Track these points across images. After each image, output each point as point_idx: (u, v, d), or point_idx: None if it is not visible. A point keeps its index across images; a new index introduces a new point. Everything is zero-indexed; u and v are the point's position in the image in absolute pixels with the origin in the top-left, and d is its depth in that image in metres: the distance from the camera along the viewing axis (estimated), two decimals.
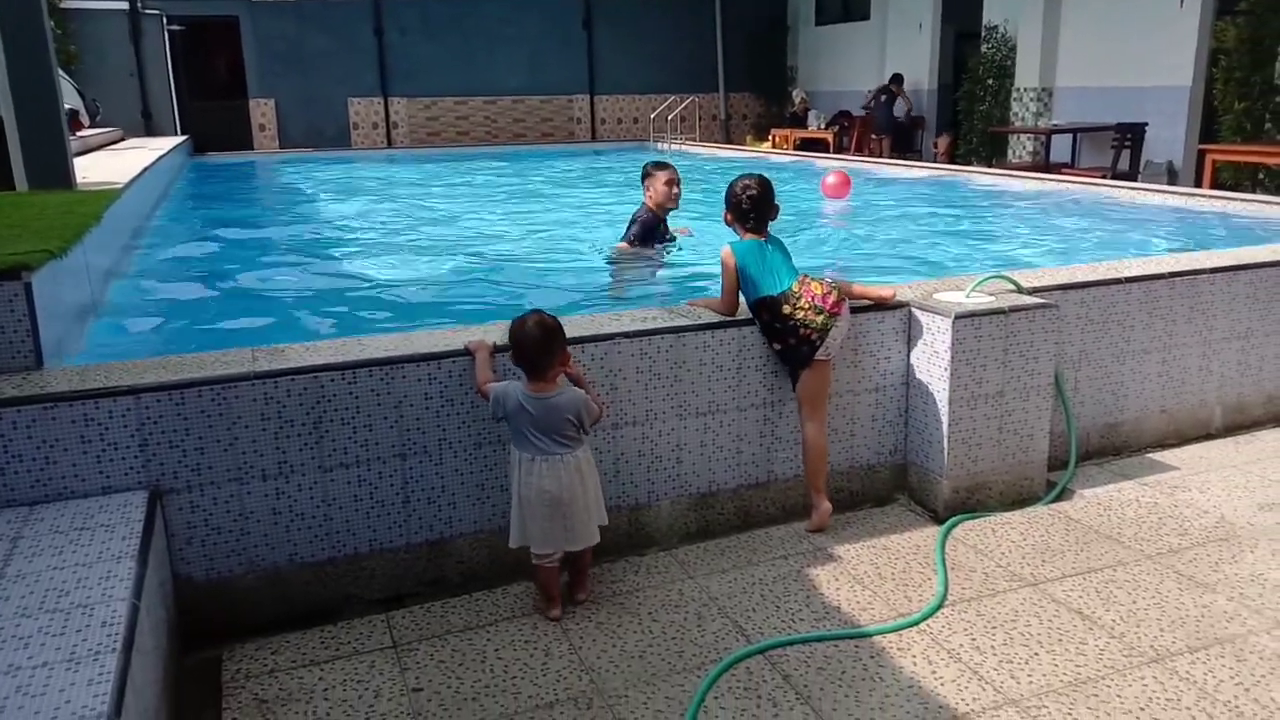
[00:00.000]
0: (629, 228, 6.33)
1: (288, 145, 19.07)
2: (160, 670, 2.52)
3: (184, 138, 16.75)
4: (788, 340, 3.58)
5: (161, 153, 11.36)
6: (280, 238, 8.54)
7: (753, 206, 3.70)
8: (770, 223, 3.78)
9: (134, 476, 2.92)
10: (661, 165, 6.25)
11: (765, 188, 3.74)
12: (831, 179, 9.66)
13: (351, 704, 2.72)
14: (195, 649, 3.00)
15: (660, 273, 6.18)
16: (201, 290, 6.24)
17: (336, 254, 7.63)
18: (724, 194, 3.80)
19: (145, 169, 8.92)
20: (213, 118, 18.89)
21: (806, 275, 3.65)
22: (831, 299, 3.56)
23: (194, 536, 3.03)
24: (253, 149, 18.83)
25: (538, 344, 2.97)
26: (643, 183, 6.29)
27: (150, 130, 17.94)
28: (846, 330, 3.64)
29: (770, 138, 19.53)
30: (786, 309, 3.55)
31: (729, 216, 3.80)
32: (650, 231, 6.26)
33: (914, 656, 2.90)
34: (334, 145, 19.17)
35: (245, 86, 19.00)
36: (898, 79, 17.20)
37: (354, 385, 3.11)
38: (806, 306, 3.53)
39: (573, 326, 3.49)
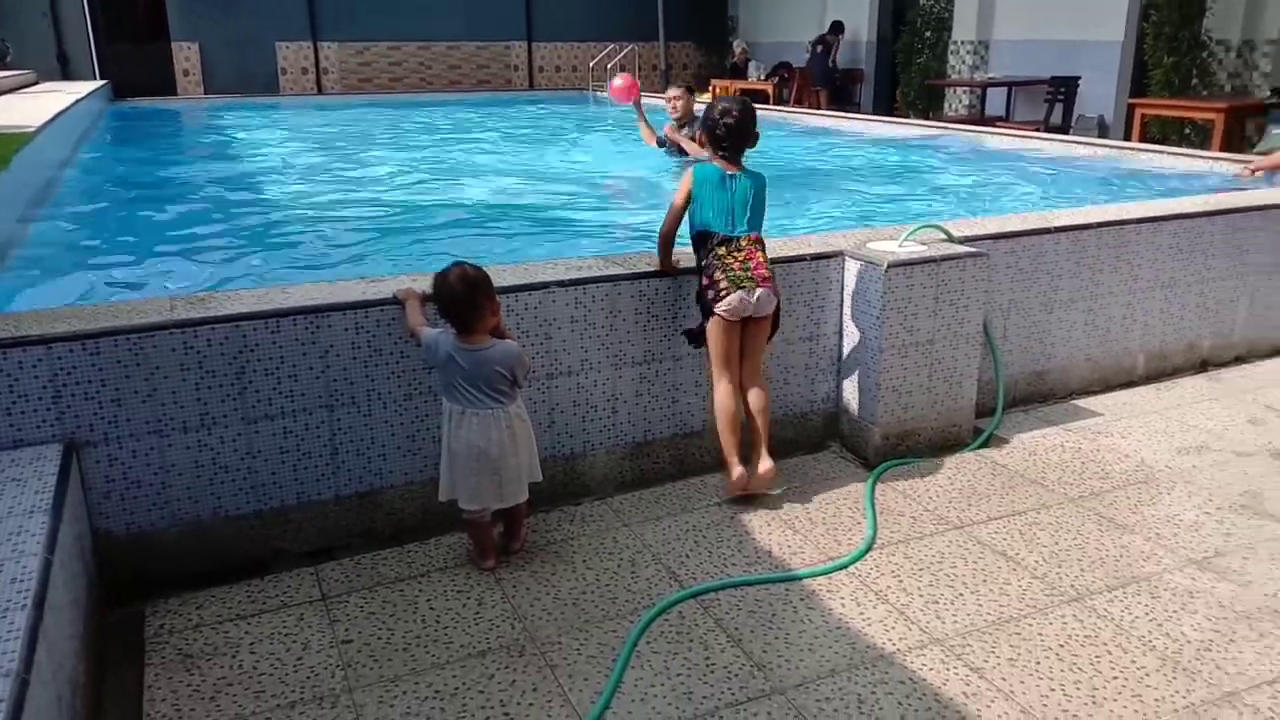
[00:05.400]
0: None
1: (213, 91, 18.44)
2: (78, 626, 2.46)
3: (103, 82, 16.09)
4: (700, 280, 3.45)
5: (78, 97, 10.90)
6: (203, 186, 8.27)
7: (728, 133, 3.48)
8: (747, 150, 3.57)
9: (47, 429, 2.82)
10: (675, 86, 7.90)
11: (745, 114, 3.50)
12: (618, 81, 9.24)
13: (279, 657, 2.68)
14: (117, 604, 2.93)
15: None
16: (120, 239, 6.03)
17: (261, 202, 7.42)
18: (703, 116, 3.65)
19: (60, 113, 8.57)
20: (134, 61, 18.13)
21: (762, 242, 3.48)
22: (764, 274, 3.40)
23: (113, 490, 2.94)
24: (176, 94, 18.16)
25: (461, 298, 2.89)
26: None
27: (67, 74, 17.20)
28: (762, 305, 3.43)
29: (710, 88, 19.39)
30: (721, 250, 3.40)
31: (703, 138, 3.61)
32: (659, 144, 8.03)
33: (843, 598, 2.94)
34: (262, 91, 18.57)
35: (167, 29, 18.26)
36: (837, 27, 17.13)
37: (278, 335, 3.03)
38: (737, 261, 3.39)
39: (506, 275, 3.44)
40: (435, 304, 3.00)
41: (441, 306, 2.96)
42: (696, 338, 3.57)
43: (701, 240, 3.49)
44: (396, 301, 3.16)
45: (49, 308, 3.10)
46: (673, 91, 7.84)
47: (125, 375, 2.88)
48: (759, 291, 3.39)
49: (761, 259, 3.44)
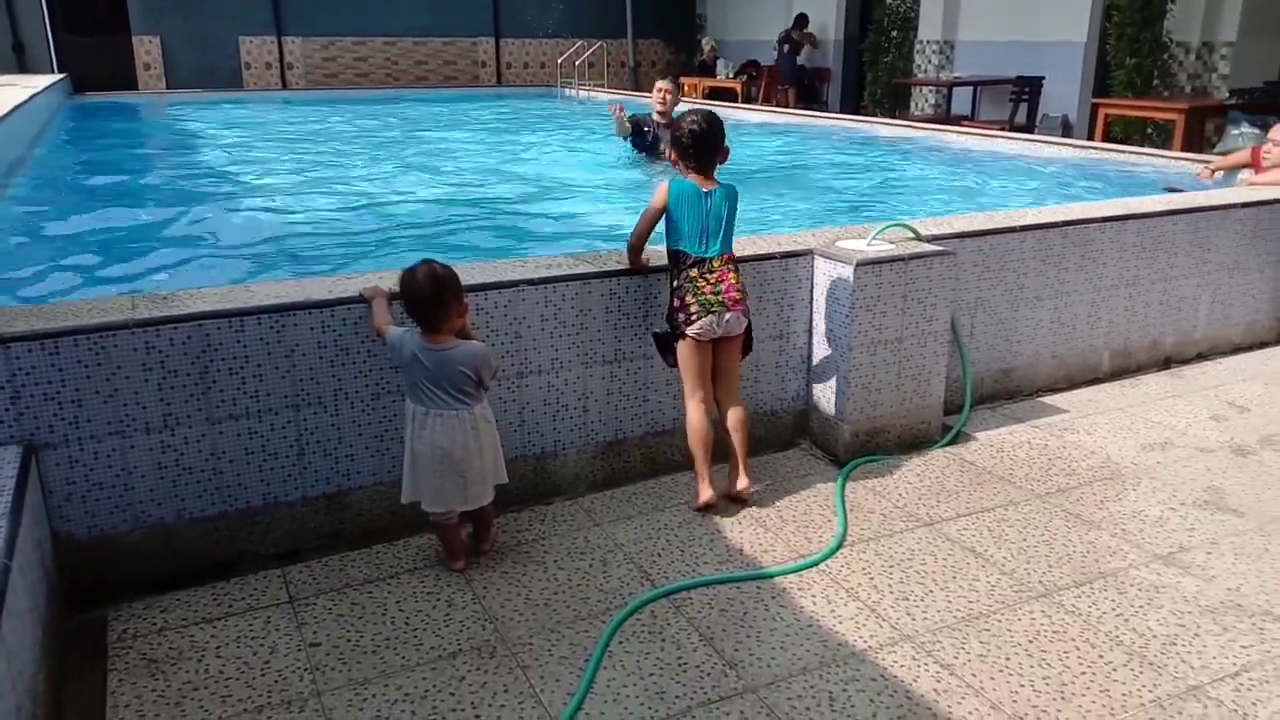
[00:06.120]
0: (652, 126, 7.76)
1: (175, 86, 18.15)
2: (38, 633, 2.40)
3: (61, 76, 15.80)
4: (672, 301, 3.44)
5: (35, 91, 10.69)
6: (165, 182, 8.15)
7: (694, 142, 3.42)
8: (719, 166, 3.51)
9: (5, 431, 2.76)
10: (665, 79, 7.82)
11: (712, 124, 3.45)
12: None
13: (246, 660, 2.64)
14: (78, 609, 2.87)
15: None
16: (79, 236, 5.92)
17: (225, 199, 7.32)
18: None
19: (16, 107, 8.39)
20: (94, 54, 17.78)
21: (735, 261, 3.46)
22: (735, 296, 3.39)
23: (74, 492, 2.88)
24: (137, 89, 17.86)
25: (428, 297, 2.85)
26: None
27: (23, 67, 16.85)
28: (732, 327, 3.43)
29: (679, 86, 19.39)
30: (694, 273, 3.39)
31: (672, 154, 3.52)
32: (638, 127, 7.90)
33: (814, 596, 2.95)
34: (225, 87, 18.31)
35: (128, 21, 17.94)
36: (801, 21, 17.16)
37: (242, 334, 2.98)
38: (709, 285, 3.37)
39: (475, 273, 3.42)
40: (402, 302, 2.97)
41: (408, 304, 2.92)
42: (666, 353, 3.55)
43: (674, 259, 3.45)
44: (363, 300, 3.12)
45: (6, 306, 3.04)
46: (662, 83, 7.69)
47: (86, 375, 2.82)
48: (728, 315, 3.39)
49: (734, 280, 3.41)
